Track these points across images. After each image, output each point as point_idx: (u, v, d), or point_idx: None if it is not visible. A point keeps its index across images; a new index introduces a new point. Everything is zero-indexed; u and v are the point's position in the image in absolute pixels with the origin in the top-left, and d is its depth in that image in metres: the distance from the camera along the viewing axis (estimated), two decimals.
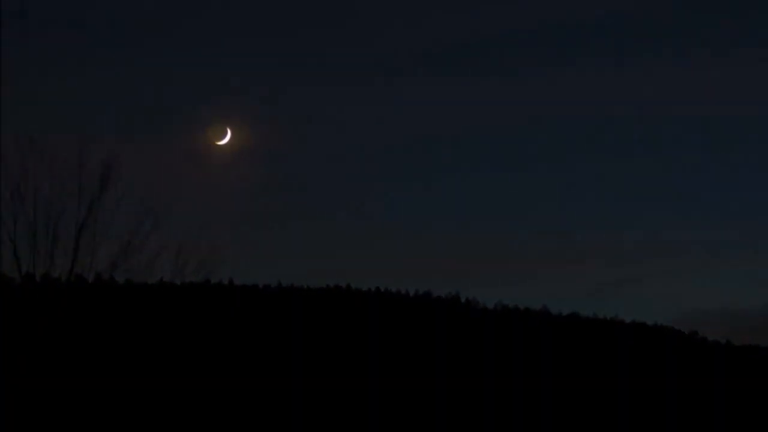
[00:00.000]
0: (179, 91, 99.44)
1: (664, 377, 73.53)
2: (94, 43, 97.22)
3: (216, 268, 40.72)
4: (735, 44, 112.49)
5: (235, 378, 43.72)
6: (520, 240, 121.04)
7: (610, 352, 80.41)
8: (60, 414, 34.50)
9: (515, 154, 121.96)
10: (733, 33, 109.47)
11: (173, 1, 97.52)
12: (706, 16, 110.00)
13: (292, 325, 62.44)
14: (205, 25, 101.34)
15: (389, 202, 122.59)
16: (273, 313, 63.64)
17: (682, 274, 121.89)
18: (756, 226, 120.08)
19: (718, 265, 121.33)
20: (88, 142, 37.15)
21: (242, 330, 51.10)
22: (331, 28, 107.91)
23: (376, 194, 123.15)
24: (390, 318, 73.80)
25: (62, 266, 36.68)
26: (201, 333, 43.93)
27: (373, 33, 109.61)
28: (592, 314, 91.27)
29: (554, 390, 66.55)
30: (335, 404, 49.11)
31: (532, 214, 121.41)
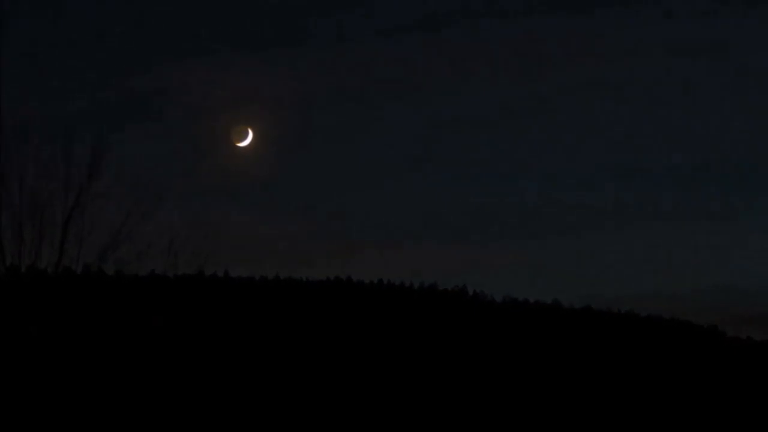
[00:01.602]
0: (176, 75, 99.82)
1: (681, 373, 73.62)
2: (86, 28, 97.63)
3: (210, 260, 41.07)
4: None
5: (230, 375, 44.02)
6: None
7: (624, 347, 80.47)
8: (48, 411, 34.79)
9: None
10: None
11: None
12: None
13: (290, 319, 62.78)
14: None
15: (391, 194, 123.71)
16: (270, 307, 63.81)
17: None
18: None
19: None
20: (76, 128, 37.48)
21: (238, 324, 51.35)
22: None
23: (377, 185, 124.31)
24: (393, 312, 73.86)
25: (49, 257, 37.00)
26: (195, 327, 44.20)
27: None
28: (606, 308, 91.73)
29: (565, 386, 66.68)
30: (335, 402, 49.36)
31: None
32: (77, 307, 35.82)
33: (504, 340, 69.31)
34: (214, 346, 43.50)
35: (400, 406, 52.08)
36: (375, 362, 57.42)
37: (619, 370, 68.90)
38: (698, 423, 62.35)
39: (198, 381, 40.35)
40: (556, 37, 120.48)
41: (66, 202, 36.85)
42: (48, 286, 35.16)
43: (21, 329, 33.69)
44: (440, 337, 67.57)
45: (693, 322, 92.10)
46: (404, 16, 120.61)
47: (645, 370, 69.85)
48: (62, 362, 34.54)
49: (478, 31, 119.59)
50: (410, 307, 74.27)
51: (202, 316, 44.11)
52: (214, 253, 40.65)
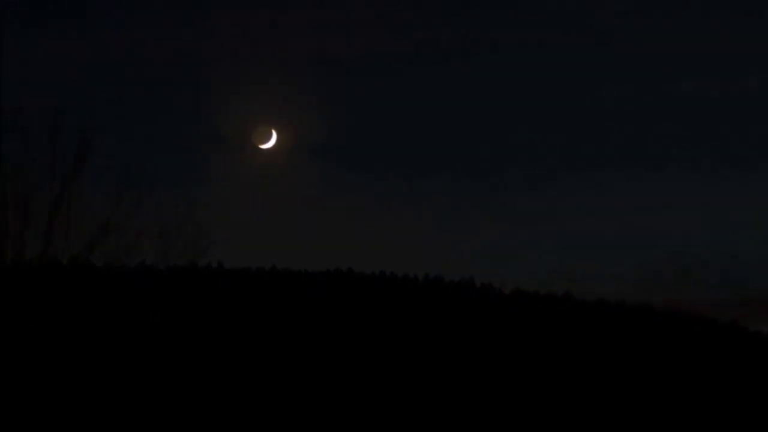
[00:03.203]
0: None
1: (700, 370, 73.83)
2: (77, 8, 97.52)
3: (204, 251, 41.44)
4: None
5: (224, 371, 44.33)
6: None
7: (640, 341, 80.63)
8: (32, 408, 35.11)
9: None
10: None
11: None
12: None
13: (289, 312, 62.93)
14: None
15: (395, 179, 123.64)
16: (267, 299, 64.02)
17: None
18: None
19: None
20: (64, 111, 37.73)
21: (236, 318, 51.63)
22: None
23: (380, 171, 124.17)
24: (396, 305, 74.05)
25: (34, 248, 37.30)
26: (194, 322, 44.49)
27: None
28: (620, 300, 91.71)
29: (577, 383, 66.91)
30: (335, 400, 49.65)
31: None
32: (68, 301, 36.15)
33: (512, 334, 69.58)
34: (214, 341, 43.85)
35: (403, 403, 52.42)
36: (377, 356, 57.68)
37: (633, 365, 69.17)
38: (716, 422, 62.71)
39: (200, 379, 40.68)
40: None
41: (52, 190, 37.25)
42: (35, 279, 35.51)
43: (14, 324, 34.03)
44: (445, 331, 67.81)
45: (711, 316, 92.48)
46: None
47: (660, 366, 70.15)
48: (58, 359, 34.85)
49: None
50: (414, 299, 74.54)
51: (200, 311, 44.44)
52: (207, 244, 41.09)
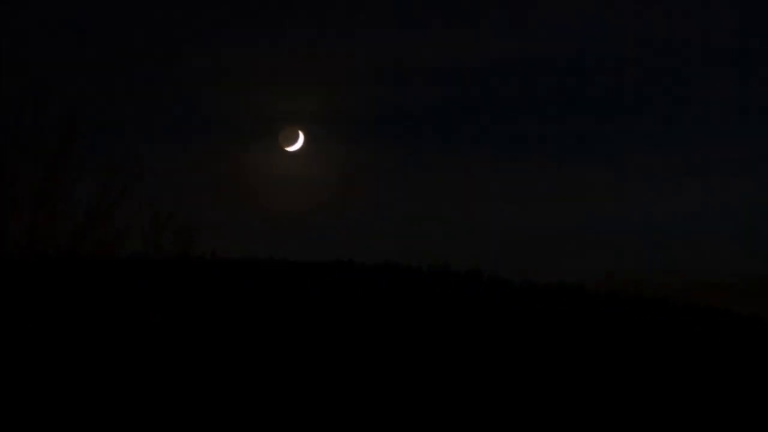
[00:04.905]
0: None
1: (718, 366, 73.66)
2: None
3: (196, 240, 41.22)
4: None
5: (220, 368, 44.21)
6: None
7: (652, 337, 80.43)
8: (32, 410, 35.01)
9: None
10: None
11: None
12: None
13: (284, 304, 62.73)
14: None
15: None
16: (263, 291, 63.78)
17: None
18: None
19: None
20: (48, 93, 37.39)
21: (226, 311, 51.49)
22: None
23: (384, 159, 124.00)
24: (400, 296, 73.77)
25: (19, 238, 37.00)
26: (178, 313, 44.33)
27: None
28: (632, 293, 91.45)
29: (586, 380, 66.73)
30: (335, 398, 49.52)
31: None
32: (62, 299, 35.90)
33: (521, 330, 69.43)
34: (215, 341, 43.77)
35: (405, 402, 52.28)
36: (378, 352, 57.56)
37: (650, 361, 69.04)
38: (737, 420, 62.52)
39: (200, 380, 40.58)
40: None
41: (37, 176, 36.94)
42: (23, 272, 35.25)
43: (12, 324, 33.82)
44: (451, 320, 67.68)
45: (732, 310, 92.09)
46: None
47: (679, 362, 70.01)
48: (57, 360, 34.69)
49: None
50: (419, 289, 74.32)
51: (199, 309, 44.29)
52: (199, 233, 40.88)
